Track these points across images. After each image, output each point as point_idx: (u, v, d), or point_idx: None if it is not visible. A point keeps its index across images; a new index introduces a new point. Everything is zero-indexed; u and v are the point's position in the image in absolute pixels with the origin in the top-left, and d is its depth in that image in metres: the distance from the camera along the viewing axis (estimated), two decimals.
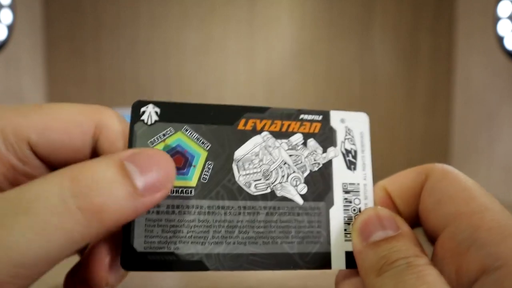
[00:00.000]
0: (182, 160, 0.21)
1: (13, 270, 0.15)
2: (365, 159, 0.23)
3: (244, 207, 0.21)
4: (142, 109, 0.21)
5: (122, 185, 0.16)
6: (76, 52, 0.86)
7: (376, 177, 0.22)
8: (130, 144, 0.21)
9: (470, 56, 0.82)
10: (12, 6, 0.62)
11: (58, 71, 0.86)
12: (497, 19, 0.64)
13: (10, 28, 0.62)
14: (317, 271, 0.41)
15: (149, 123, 0.21)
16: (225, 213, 0.21)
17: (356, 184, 0.22)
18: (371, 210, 0.20)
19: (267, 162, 0.22)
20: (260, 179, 0.22)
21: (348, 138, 0.23)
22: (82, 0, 0.85)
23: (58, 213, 0.15)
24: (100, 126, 0.20)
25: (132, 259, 0.20)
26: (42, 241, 0.15)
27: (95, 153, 0.20)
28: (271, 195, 0.22)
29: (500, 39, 0.64)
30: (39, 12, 0.83)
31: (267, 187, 0.22)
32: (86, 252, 0.20)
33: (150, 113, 0.22)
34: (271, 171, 0.22)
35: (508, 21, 0.63)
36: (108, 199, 0.16)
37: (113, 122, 0.20)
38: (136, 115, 0.21)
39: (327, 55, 0.89)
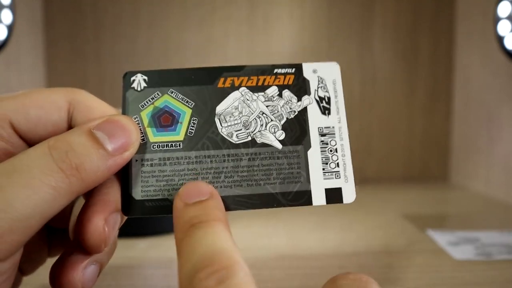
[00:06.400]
0: (169, 119, 0.24)
1: (11, 224, 0.17)
2: (338, 104, 0.25)
3: (228, 155, 0.23)
4: (132, 78, 0.24)
5: (95, 149, 0.19)
6: (76, 52, 0.86)
7: (376, 178, 0.22)
8: (124, 109, 0.24)
9: (470, 56, 0.82)
10: (12, 6, 0.62)
11: (58, 71, 0.86)
12: (497, 19, 0.64)
13: (10, 28, 0.62)
14: (318, 270, 0.41)
15: (138, 89, 0.24)
16: (211, 161, 0.23)
17: (331, 127, 0.24)
18: (192, 184, 0.22)
19: (246, 113, 0.24)
20: (241, 129, 0.24)
21: (321, 86, 0.25)
22: (82, 0, 0.85)
23: (45, 172, 0.18)
24: (74, 102, 0.22)
25: (132, 206, 0.22)
26: (34, 196, 0.17)
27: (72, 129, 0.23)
28: (252, 143, 0.24)
29: (500, 39, 0.64)
30: (39, 12, 0.84)
31: (248, 136, 0.24)
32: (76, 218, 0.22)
33: (139, 81, 0.24)
34: (251, 121, 0.24)
35: (508, 21, 0.63)
36: (85, 161, 0.19)
37: (86, 98, 0.23)
38: (127, 84, 0.24)
39: (327, 55, 0.89)
